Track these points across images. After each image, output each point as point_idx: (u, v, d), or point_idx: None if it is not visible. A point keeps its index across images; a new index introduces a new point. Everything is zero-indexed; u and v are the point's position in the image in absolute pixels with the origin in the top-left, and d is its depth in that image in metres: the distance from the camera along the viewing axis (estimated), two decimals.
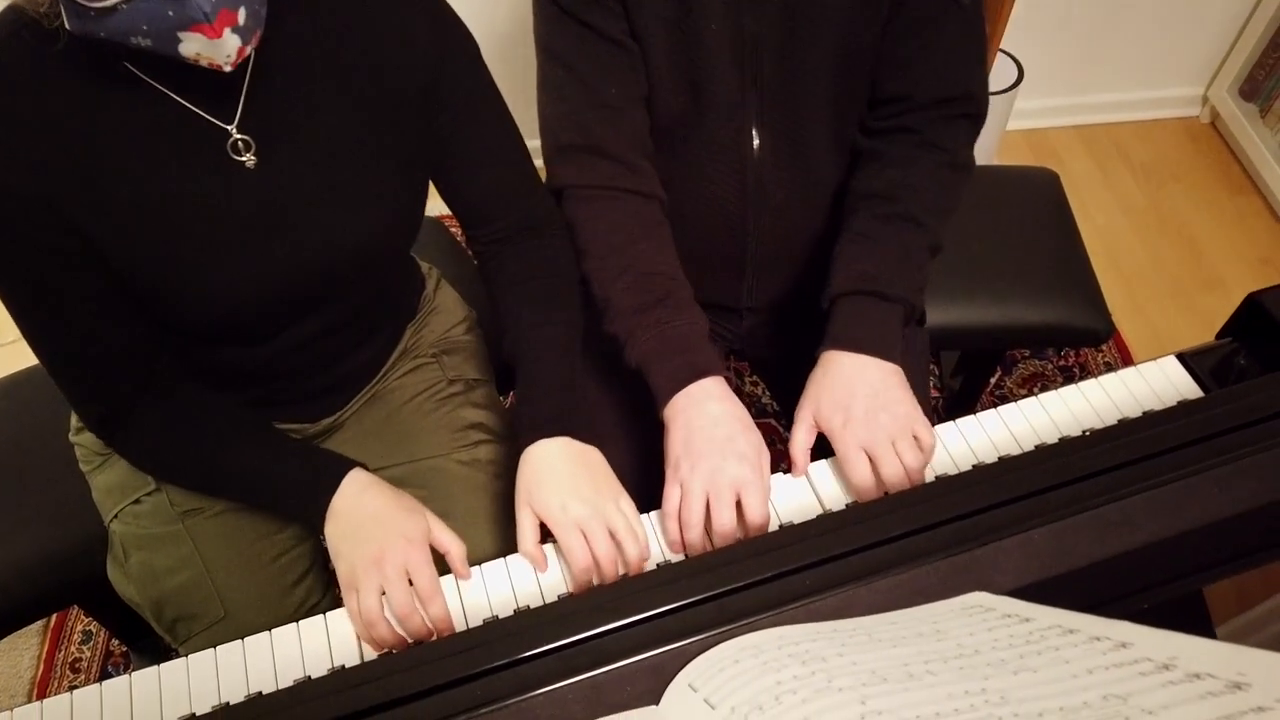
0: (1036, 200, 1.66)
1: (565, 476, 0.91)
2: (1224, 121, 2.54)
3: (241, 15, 0.72)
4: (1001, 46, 2.10)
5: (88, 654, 1.70)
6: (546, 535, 0.91)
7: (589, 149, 1.02)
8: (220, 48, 0.72)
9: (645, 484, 1.07)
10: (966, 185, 1.09)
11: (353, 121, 0.91)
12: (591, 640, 0.67)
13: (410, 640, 0.85)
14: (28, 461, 1.33)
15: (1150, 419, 0.84)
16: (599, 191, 1.03)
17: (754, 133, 1.05)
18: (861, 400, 0.94)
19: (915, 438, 0.92)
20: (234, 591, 1.05)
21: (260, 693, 0.75)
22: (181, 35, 0.70)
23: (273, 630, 0.87)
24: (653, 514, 0.94)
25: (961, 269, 1.52)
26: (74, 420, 1.16)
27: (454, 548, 0.90)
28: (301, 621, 0.90)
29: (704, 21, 0.97)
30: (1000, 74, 2.20)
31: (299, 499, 0.93)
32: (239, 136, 0.85)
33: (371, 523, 0.89)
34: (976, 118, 1.08)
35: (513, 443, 1.21)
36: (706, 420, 0.93)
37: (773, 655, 0.55)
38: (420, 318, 1.25)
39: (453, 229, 1.53)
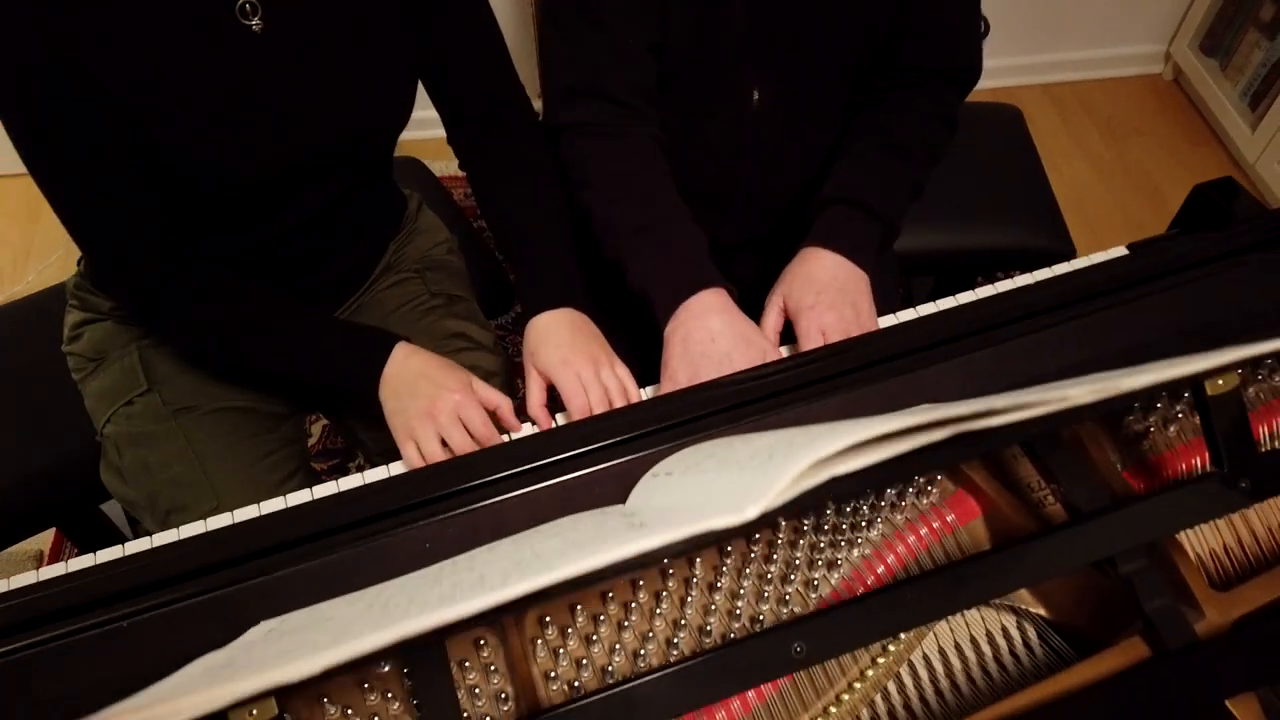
0: (1001, 133, 1.72)
1: (566, 337, 0.97)
2: (1186, 77, 2.60)
3: None
4: None
5: None
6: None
7: (596, 93, 1.05)
8: None
9: None
10: (950, 141, 1.16)
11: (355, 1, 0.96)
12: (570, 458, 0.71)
13: None
14: (16, 385, 1.36)
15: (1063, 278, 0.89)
16: (599, 129, 1.06)
17: (755, 90, 1.09)
18: (831, 292, 1.00)
19: None
20: (226, 483, 1.09)
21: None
22: None
23: (261, 504, 0.92)
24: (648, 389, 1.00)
25: (930, 195, 1.56)
26: (67, 330, 1.19)
27: (501, 401, 0.96)
28: (289, 495, 0.94)
29: None
30: None
31: (354, 366, 0.98)
32: (246, 0, 0.89)
33: (421, 379, 0.95)
34: (968, 84, 1.16)
35: (496, 353, 1.26)
36: (704, 334, 0.95)
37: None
38: (403, 235, 1.29)
39: (431, 166, 1.57)
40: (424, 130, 1.54)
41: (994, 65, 2.55)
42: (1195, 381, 0.72)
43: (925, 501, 0.81)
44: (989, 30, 2.30)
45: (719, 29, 1.03)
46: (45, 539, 1.83)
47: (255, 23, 0.91)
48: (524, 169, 1.09)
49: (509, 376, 1.27)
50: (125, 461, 1.12)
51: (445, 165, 1.58)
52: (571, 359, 0.95)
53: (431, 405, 0.93)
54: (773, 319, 1.03)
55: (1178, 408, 0.86)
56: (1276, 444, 0.86)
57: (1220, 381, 0.71)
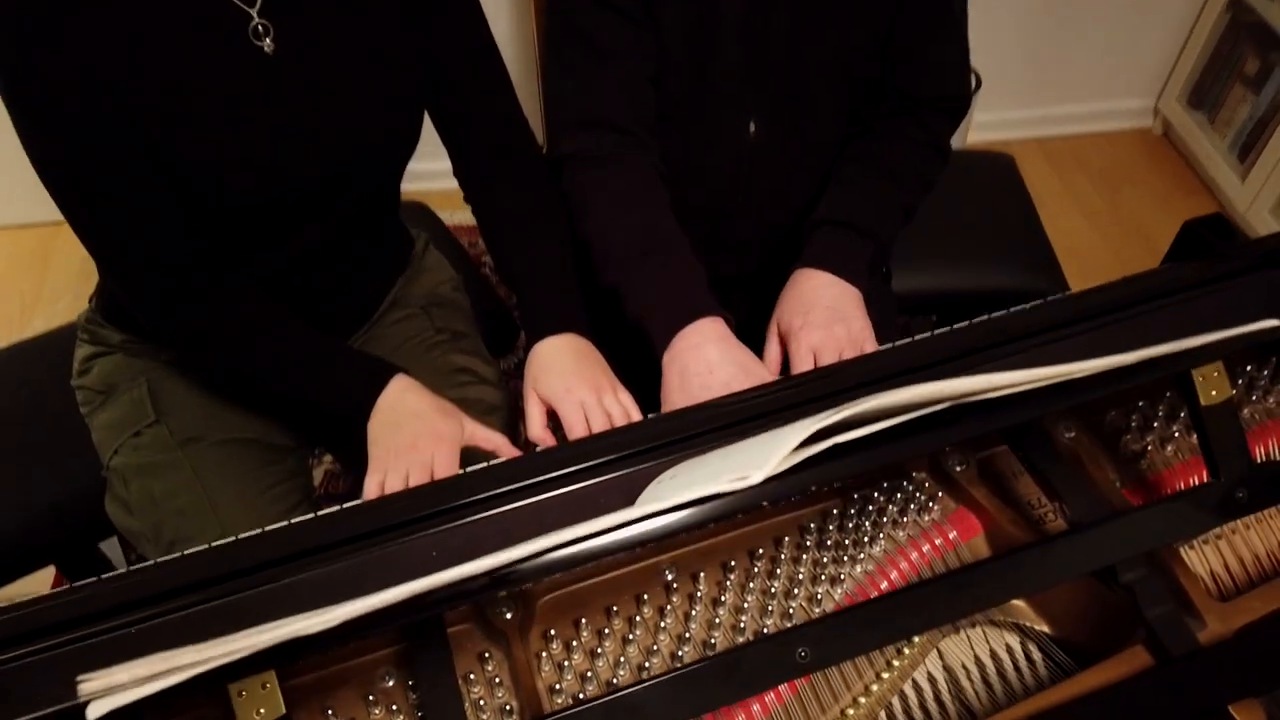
0: (995, 179, 1.75)
1: (569, 364, 0.97)
2: (1175, 130, 2.66)
3: None
4: None
5: None
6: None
7: (596, 121, 1.07)
8: None
9: None
10: (942, 170, 1.19)
11: (365, 26, 0.99)
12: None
13: None
14: (23, 423, 1.37)
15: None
16: (600, 159, 1.07)
17: (750, 122, 1.12)
18: (821, 310, 1.01)
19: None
20: (231, 513, 1.09)
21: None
22: None
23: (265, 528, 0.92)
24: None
25: (927, 238, 1.60)
26: (76, 364, 1.21)
27: (500, 442, 0.97)
28: (294, 520, 0.94)
29: (717, 11, 1.04)
30: None
31: (350, 389, 0.99)
32: (260, 21, 0.93)
33: (412, 417, 0.95)
34: (958, 114, 1.19)
35: (499, 388, 1.27)
36: (702, 365, 0.94)
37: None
38: (410, 273, 1.31)
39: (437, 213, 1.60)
40: (433, 181, 1.58)
41: (987, 119, 2.60)
42: (1189, 395, 0.73)
43: (927, 518, 0.82)
44: (981, 84, 2.36)
45: (715, 63, 1.06)
46: (44, 578, 1.82)
47: (267, 44, 0.94)
48: (528, 199, 1.12)
49: (511, 412, 1.28)
50: (131, 492, 1.12)
51: (452, 214, 1.61)
52: (574, 385, 0.96)
53: (413, 444, 0.93)
54: (773, 348, 1.04)
55: (1174, 427, 0.87)
56: None
57: (1214, 392, 0.72)
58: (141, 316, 1.01)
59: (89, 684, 0.43)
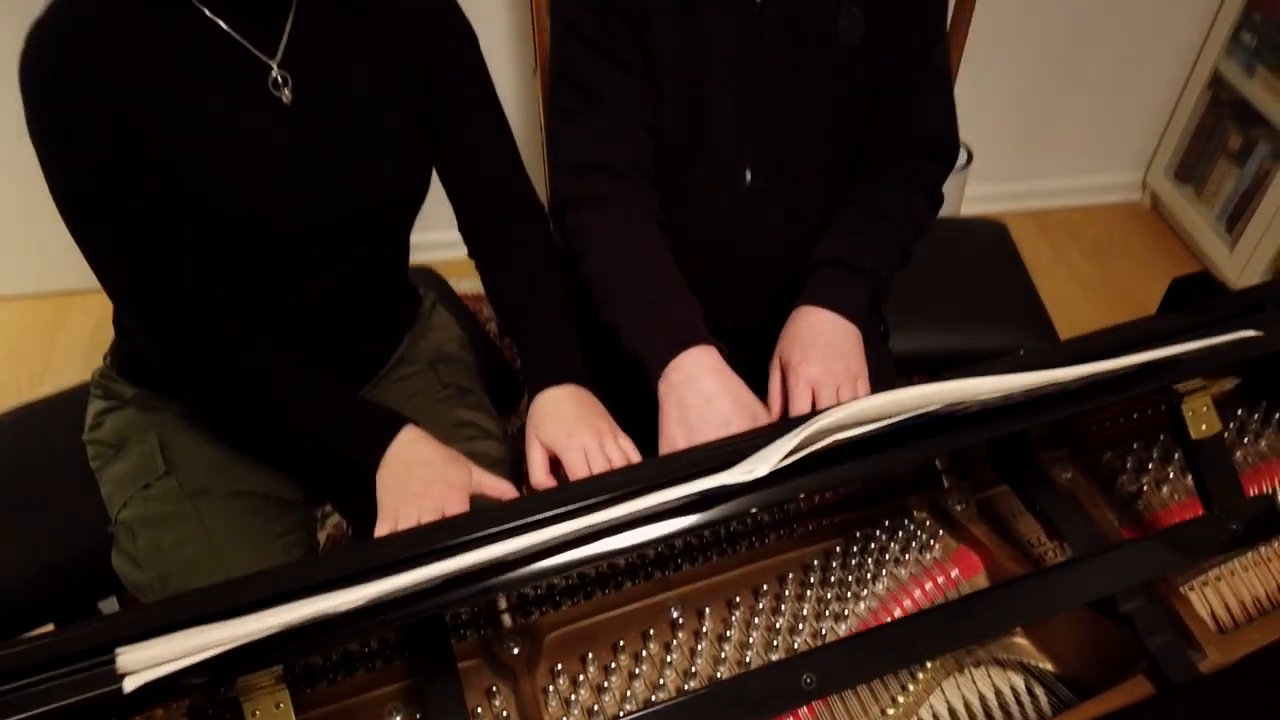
0: (988, 245, 1.80)
1: (571, 412, 0.99)
2: (1164, 204, 2.72)
3: None
4: None
5: None
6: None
7: (596, 165, 1.11)
8: None
9: None
10: (935, 214, 1.24)
11: (375, 75, 1.04)
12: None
13: None
14: (30, 481, 1.38)
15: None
16: (600, 201, 1.11)
17: (746, 170, 1.16)
18: (820, 346, 1.04)
19: (857, 393, 1.01)
20: (237, 565, 1.10)
21: None
22: None
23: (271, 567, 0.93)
24: None
25: (923, 300, 1.64)
26: (89, 419, 1.23)
27: (507, 489, 0.99)
28: (305, 559, 0.96)
29: (710, 64, 1.09)
30: None
31: (359, 440, 1.01)
32: (279, 72, 0.97)
33: (421, 466, 0.97)
34: (948, 161, 1.24)
35: (504, 442, 1.29)
36: (700, 398, 0.96)
37: None
38: (417, 330, 1.34)
39: (445, 275, 1.64)
40: (443, 251, 1.62)
41: (979, 192, 2.67)
42: (1180, 429, 0.75)
43: (929, 556, 0.83)
44: (973, 158, 2.43)
45: (710, 113, 1.11)
46: None
47: (286, 94, 0.99)
48: (529, 254, 1.15)
49: (515, 465, 1.29)
50: (139, 545, 1.13)
51: (459, 281, 1.65)
52: (576, 432, 0.97)
53: (424, 491, 0.95)
54: (775, 383, 1.05)
55: (1169, 469, 0.89)
56: None
57: (1204, 426, 0.74)
58: (156, 360, 1.03)
59: (126, 656, 0.45)
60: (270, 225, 1.01)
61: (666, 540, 0.62)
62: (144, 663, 0.42)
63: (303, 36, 0.99)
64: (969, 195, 2.64)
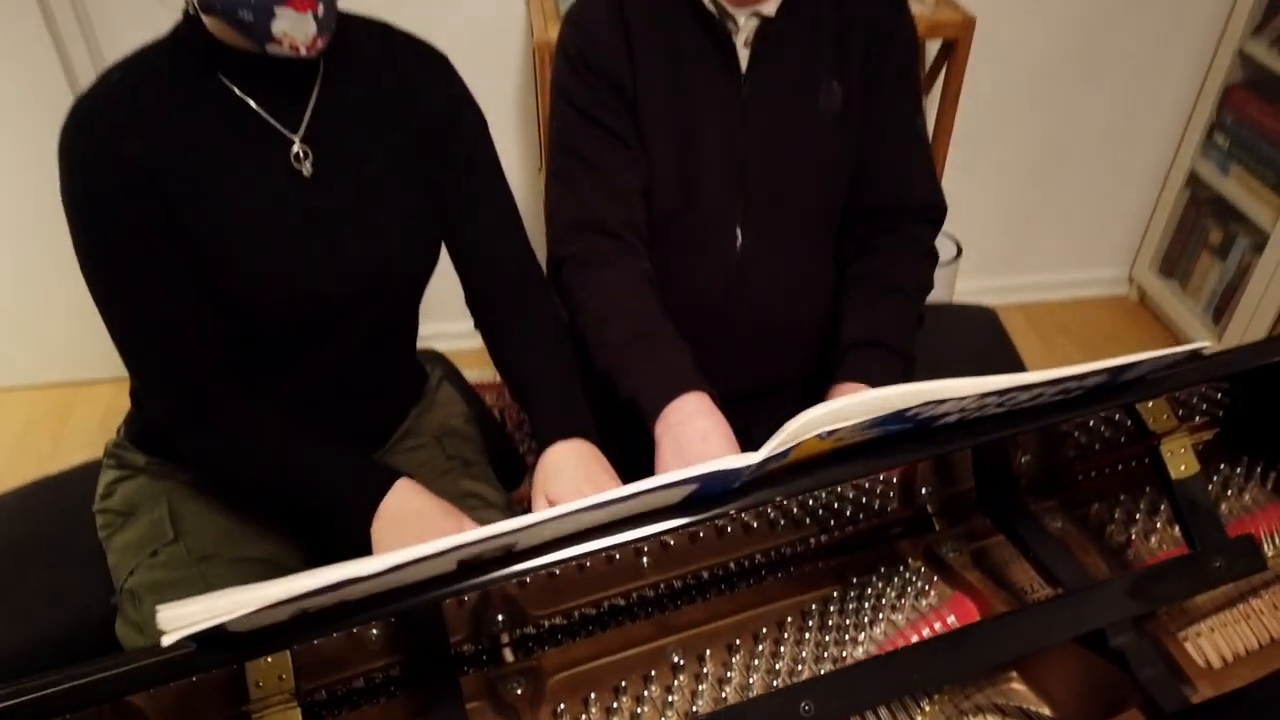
0: (979, 330, 1.85)
1: (577, 468, 1.02)
2: (1151, 297, 2.79)
3: (320, 7, 0.93)
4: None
5: None
6: None
7: (592, 225, 1.18)
8: (304, 24, 0.92)
9: None
10: (932, 271, 1.30)
11: (391, 155, 1.10)
12: None
13: None
14: (36, 554, 1.39)
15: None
16: (596, 260, 1.18)
17: (738, 231, 1.23)
18: None
19: None
20: None
21: None
22: (276, 10, 0.90)
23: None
24: None
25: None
26: (100, 489, 1.25)
27: None
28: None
29: (699, 134, 1.18)
30: (941, 249, 2.46)
31: (355, 493, 1.03)
32: (300, 146, 1.03)
33: (415, 518, 1.00)
34: (938, 222, 1.31)
35: (508, 513, 1.31)
36: (696, 435, 1.01)
37: None
38: (423, 405, 1.38)
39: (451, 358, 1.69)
40: (450, 341, 1.67)
41: (969, 286, 2.74)
42: (1161, 471, 0.78)
43: (924, 603, 0.84)
44: (961, 253, 2.51)
45: (700, 178, 1.18)
46: None
47: (306, 167, 1.05)
48: (534, 320, 1.20)
49: None
50: (144, 612, 1.14)
51: (465, 370, 1.69)
52: (582, 487, 0.99)
53: (418, 542, 0.97)
54: None
55: (1156, 520, 0.91)
56: None
57: (1183, 467, 0.77)
58: (162, 418, 1.07)
59: (165, 613, 0.47)
60: (284, 294, 1.06)
61: (671, 531, 0.64)
62: (181, 620, 0.46)
63: (325, 114, 1.06)
64: (959, 289, 2.71)
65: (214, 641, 0.54)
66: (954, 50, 1.99)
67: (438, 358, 1.68)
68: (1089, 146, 2.57)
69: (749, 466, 0.52)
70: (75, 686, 0.61)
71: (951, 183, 1.98)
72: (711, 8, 1.14)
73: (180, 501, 1.20)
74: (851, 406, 0.52)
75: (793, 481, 0.64)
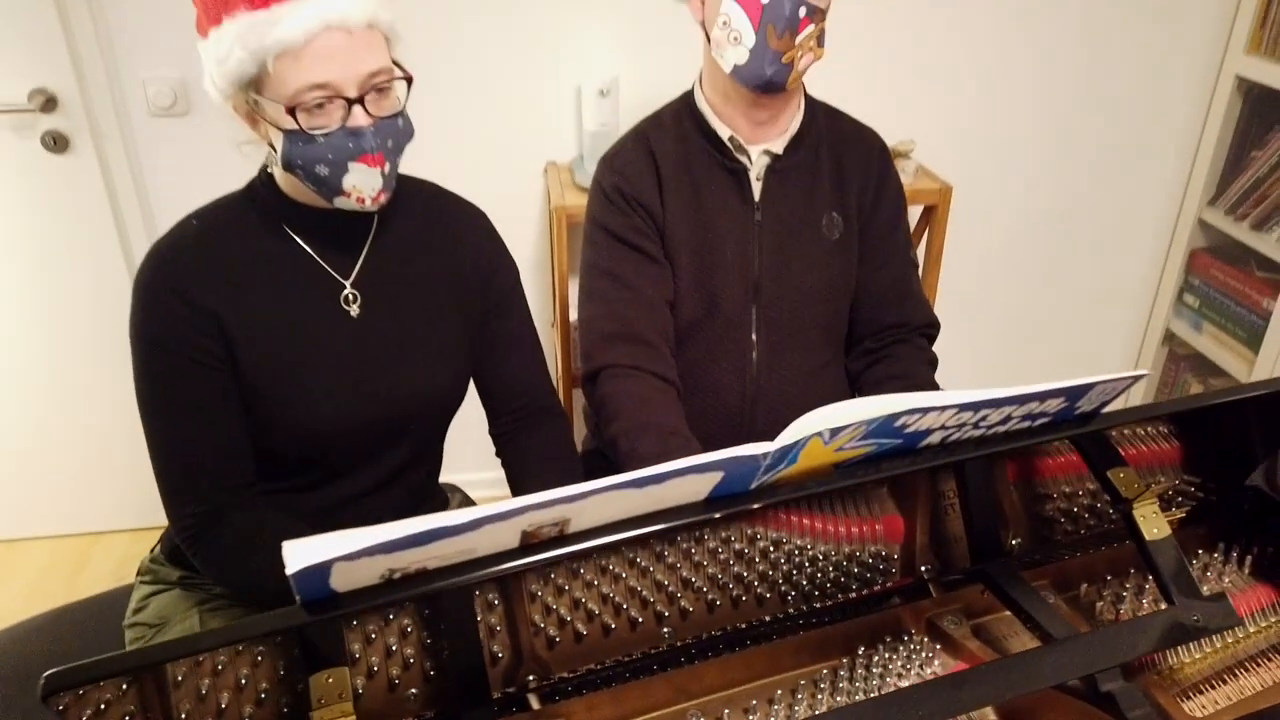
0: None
1: None
2: None
3: (386, 166, 1.06)
4: None
5: None
6: None
7: (624, 335, 1.33)
8: (372, 179, 1.04)
9: None
10: (934, 375, 1.46)
11: (433, 300, 1.23)
12: None
13: None
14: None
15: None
16: (630, 371, 1.31)
17: (754, 338, 1.39)
18: None
19: None
20: None
21: None
22: (351, 165, 1.02)
23: None
24: None
25: None
26: (133, 604, 1.31)
27: None
28: None
29: (719, 255, 1.35)
30: None
31: None
32: (350, 290, 1.15)
33: None
34: (935, 336, 1.49)
35: None
36: None
37: None
38: None
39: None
40: (471, 491, 1.75)
41: None
42: (1135, 534, 0.85)
43: (929, 671, 0.89)
44: None
45: (719, 289, 1.34)
46: None
47: (355, 309, 1.17)
48: (548, 443, 1.32)
49: None
50: None
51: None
52: None
53: None
54: None
55: (1144, 600, 0.97)
56: None
57: (1155, 530, 0.85)
58: (180, 526, 1.14)
59: (290, 550, 0.54)
60: (326, 420, 1.16)
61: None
62: (304, 555, 0.53)
63: (374, 263, 1.19)
64: None
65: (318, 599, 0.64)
66: (934, 214, 2.17)
67: (456, 489, 1.76)
68: (1070, 307, 2.72)
69: (766, 454, 0.62)
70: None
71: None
72: (729, 144, 1.34)
73: (211, 614, 1.25)
74: (851, 408, 0.62)
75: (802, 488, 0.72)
